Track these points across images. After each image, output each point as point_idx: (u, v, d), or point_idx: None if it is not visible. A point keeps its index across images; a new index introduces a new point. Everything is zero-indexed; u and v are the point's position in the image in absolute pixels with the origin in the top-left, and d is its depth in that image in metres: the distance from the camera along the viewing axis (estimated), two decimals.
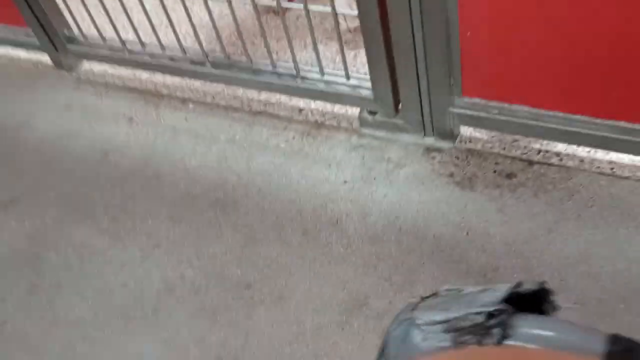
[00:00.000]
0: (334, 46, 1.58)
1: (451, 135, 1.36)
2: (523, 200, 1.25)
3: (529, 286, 0.43)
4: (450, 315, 0.42)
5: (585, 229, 1.18)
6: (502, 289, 0.42)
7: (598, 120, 1.16)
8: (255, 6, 1.33)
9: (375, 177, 1.38)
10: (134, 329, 1.25)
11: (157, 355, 1.21)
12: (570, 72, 1.14)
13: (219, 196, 1.43)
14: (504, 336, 0.40)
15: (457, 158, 1.35)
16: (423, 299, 0.46)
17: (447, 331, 0.41)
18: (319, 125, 1.52)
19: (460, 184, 1.31)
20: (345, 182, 1.39)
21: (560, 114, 1.20)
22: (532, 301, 0.43)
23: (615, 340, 0.38)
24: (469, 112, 1.28)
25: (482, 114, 1.26)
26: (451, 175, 1.33)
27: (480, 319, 0.40)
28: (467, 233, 1.23)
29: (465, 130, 1.36)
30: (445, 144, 1.37)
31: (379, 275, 1.22)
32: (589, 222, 1.19)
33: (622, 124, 1.13)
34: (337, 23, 1.27)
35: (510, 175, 1.30)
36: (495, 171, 1.31)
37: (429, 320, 0.42)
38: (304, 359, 1.14)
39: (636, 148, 1.15)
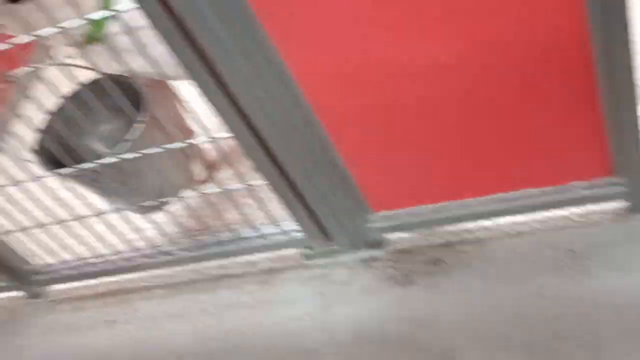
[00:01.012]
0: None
1: (380, 244, 1.57)
2: (455, 280, 1.46)
3: None
4: None
5: (512, 285, 1.39)
6: None
7: (485, 197, 1.39)
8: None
9: (332, 301, 1.57)
10: None
11: None
12: (452, 166, 1.37)
13: None
14: None
15: (391, 260, 1.56)
16: None
17: None
18: (271, 271, 1.71)
19: (401, 282, 1.51)
20: (309, 314, 1.57)
21: (459, 201, 1.43)
22: None
23: None
24: (384, 223, 1.50)
25: (395, 222, 1.48)
26: (391, 277, 1.53)
27: None
28: (420, 323, 1.42)
29: (390, 236, 1.57)
30: (377, 252, 1.58)
31: None
32: (514, 279, 1.40)
33: (501, 195, 1.37)
34: (253, 195, 1.49)
35: (438, 262, 1.50)
36: (424, 262, 1.52)
37: None
38: None
39: (519, 209, 1.39)
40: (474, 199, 1.40)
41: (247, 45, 1.12)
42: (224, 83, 1.18)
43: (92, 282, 1.92)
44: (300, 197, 1.46)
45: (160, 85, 1.63)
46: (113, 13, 1.10)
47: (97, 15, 1.12)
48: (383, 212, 1.49)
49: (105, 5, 1.32)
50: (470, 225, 1.50)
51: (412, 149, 1.32)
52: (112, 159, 1.41)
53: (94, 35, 1.36)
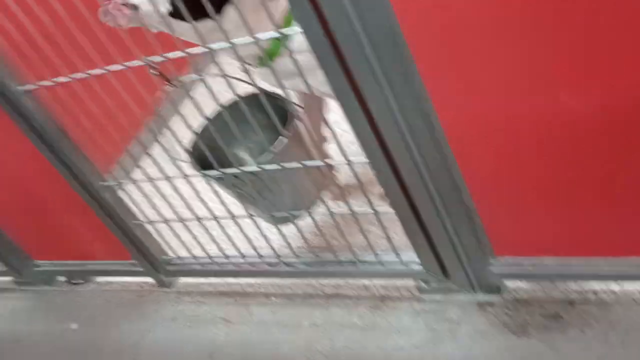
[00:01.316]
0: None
1: (498, 289, 1.56)
2: (572, 338, 1.41)
3: None
4: None
5: (635, 356, 1.33)
6: None
7: (616, 259, 1.35)
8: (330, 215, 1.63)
9: (441, 337, 1.57)
10: None
11: None
12: (584, 221, 1.35)
13: None
14: None
15: (507, 308, 1.54)
16: None
17: None
18: (384, 298, 1.75)
19: (515, 332, 1.49)
20: (416, 347, 1.59)
21: (587, 259, 1.40)
22: None
23: None
24: (505, 269, 1.49)
25: (517, 270, 1.47)
26: (505, 325, 1.52)
27: None
28: None
29: (509, 283, 1.56)
30: (494, 298, 1.57)
31: None
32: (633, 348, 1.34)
33: (634, 258, 1.32)
34: (379, 220, 1.54)
35: (556, 317, 1.47)
36: (542, 315, 1.49)
37: None
38: None
39: None
40: (603, 258, 1.36)
41: (397, 81, 1.18)
42: (370, 113, 1.25)
43: (215, 280, 2.06)
44: (424, 230, 1.49)
45: (310, 105, 1.74)
46: (289, 34, 1.20)
47: (275, 34, 1.22)
48: (506, 258, 1.48)
49: (286, 25, 1.43)
50: (595, 285, 1.46)
51: (546, 198, 1.31)
52: (254, 168, 1.52)
53: (271, 52, 1.47)
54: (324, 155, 1.72)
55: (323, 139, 1.92)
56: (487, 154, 1.27)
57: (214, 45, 1.28)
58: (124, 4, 1.34)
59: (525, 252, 1.45)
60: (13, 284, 2.50)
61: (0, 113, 1.65)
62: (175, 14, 1.32)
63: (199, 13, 1.25)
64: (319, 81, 1.30)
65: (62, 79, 1.49)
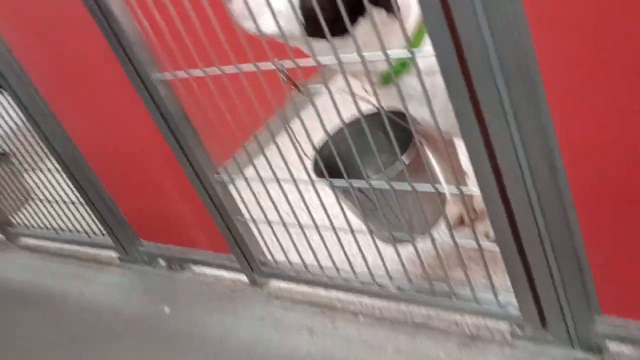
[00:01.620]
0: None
1: (599, 350, 1.47)
2: None
3: None
4: None
5: None
6: None
7: None
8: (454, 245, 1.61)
9: None
10: None
11: None
12: None
13: None
14: None
15: None
16: None
17: None
18: (474, 337, 1.69)
19: None
20: None
21: None
22: None
23: None
24: (610, 329, 1.40)
25: (623, 333, 1.38)
26: None
27: None
28: None
29: (612, 345, 1.46)
30: (593, 358, 1.48)
31: None
32: None
33: None
34: (483, 256, 1.50)
35: None
36: None
37: None
38: None
39: None
40: None
41: (525, 117, 1.15)
42: (491, 145, 1.22)
43: (307, 288, 2.07)
44: (528, 273, 1.44)
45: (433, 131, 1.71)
46: (418, 55, 1.20)
47: (403, 54, 1.23)
48: (613, 318, 1.39)
49: (416, 44, 1.44)
50: None
51: None
52: (372, 183, 1.52)
53: (396, 70, 1.48)
54: (440, 181, 1.69)
55: (445, 165, 1.88)
56: (611, 205, 1.21)
57: (346, 57, 1.30)
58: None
59: (635, 315, 1.37)
60: (117, 260, 2.64)
61: (136, 99, 1.76)
62: (308, 30, 1.36)
63: (328, 29, 1.28)
64: (437, 110, 1.29)
65: (197, 72, 1.57)
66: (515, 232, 1.37)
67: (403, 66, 1.47)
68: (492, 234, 1.49)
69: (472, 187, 1.34)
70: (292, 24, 1.36)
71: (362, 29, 1.38)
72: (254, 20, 1.36)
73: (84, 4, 1.59)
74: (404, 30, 1.20)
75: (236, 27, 1.41)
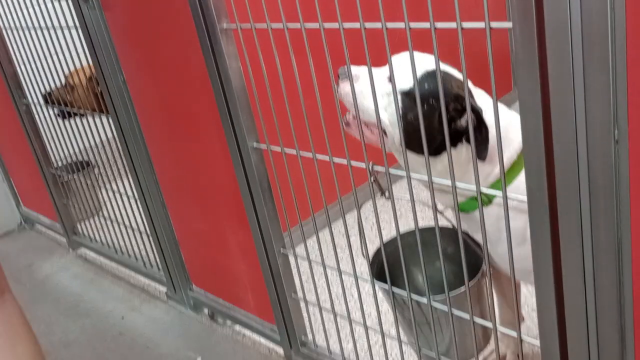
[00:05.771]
0: None
1: None
2: None
3: None
4: None
5: None
6: None
7: None
8: None
9: None
10: None
11: None
12: None
13: None
14: None
15: None
16: None
17: None
18: None
19: None
20: None
21: None
22: None
23: None
24: None
25: None
26: None
27: None
28: None
29: None
30: None
31: None
32: None
33: None
34: None
35: None
36: None
37: None
38: None
39: None
40: None
41: (603, 284, 1.13)
42: (562, 305, 1.20)
43: None
44: None
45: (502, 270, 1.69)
46: (499, 195, 1.22)
47: (488, 190, 1.25)
48: None
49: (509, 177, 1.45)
50: None
51: None
52: (423, 300, 1.52)
53: (468, 205, 1.50)
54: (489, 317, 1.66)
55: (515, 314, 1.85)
56: None
57: (436, 180, 1.34)
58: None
59: None
60: (165, 296, 2.69)
61: (227, 158, 1.82)
62: (407, 140, 1.40)
63: (420, 148, 1.35)
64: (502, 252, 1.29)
65: (291, 151, 1.62)
66: None
67: (489, 199, 1.47)
68: None
69: (527, 334, 1.32)
70: (394, 132, 1.41)
71: (455, 154, 1.41)
72: (361, 128, 1.45)
73: (205, 62, 1.68)
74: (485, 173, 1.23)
75: (341, 125, 1.47)
